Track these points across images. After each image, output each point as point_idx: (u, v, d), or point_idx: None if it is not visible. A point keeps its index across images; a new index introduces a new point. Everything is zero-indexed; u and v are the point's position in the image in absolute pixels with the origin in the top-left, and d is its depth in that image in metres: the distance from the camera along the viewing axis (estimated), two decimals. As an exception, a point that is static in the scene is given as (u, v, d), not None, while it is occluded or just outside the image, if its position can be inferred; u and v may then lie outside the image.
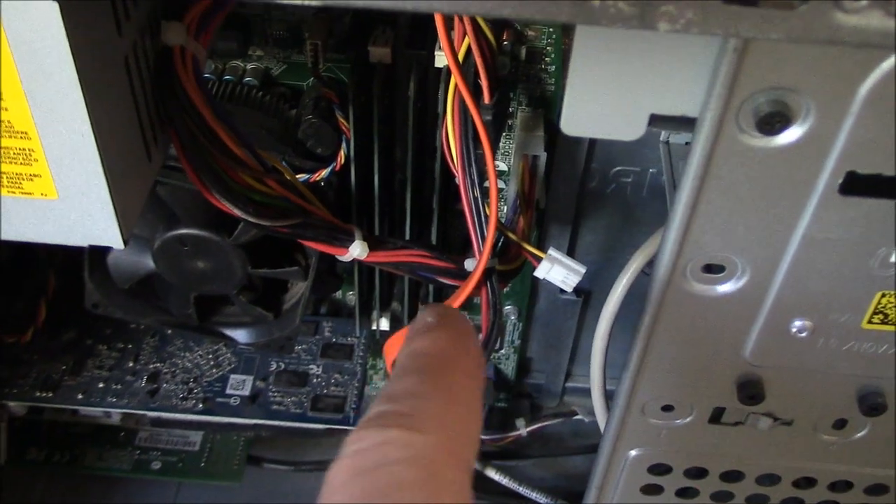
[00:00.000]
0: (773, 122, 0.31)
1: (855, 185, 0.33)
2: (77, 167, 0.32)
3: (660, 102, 0.33)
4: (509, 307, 0.64)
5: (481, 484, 0.68)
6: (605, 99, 0.33)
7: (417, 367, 0.30)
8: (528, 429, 0.69)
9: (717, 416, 0.44)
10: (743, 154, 0.32)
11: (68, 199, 0.33)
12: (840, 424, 0.44)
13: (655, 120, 0.33)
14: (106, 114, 0.32)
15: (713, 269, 0.37)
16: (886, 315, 0.38)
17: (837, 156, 0.32)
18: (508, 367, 0.69)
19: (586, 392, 0.51)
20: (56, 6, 0.28)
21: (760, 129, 0.31)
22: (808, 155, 0.32)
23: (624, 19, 0.26)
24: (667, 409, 0.44)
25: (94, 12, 0.30)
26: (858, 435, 0.45)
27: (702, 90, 0.32)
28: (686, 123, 0.33)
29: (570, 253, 0.60)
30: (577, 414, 0.69)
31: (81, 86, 0.30)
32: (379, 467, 0.26)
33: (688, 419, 0.44)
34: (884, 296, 0.37)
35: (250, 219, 0.40)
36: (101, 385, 0.61)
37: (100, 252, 0.53)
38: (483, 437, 0.69)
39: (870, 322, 0.38)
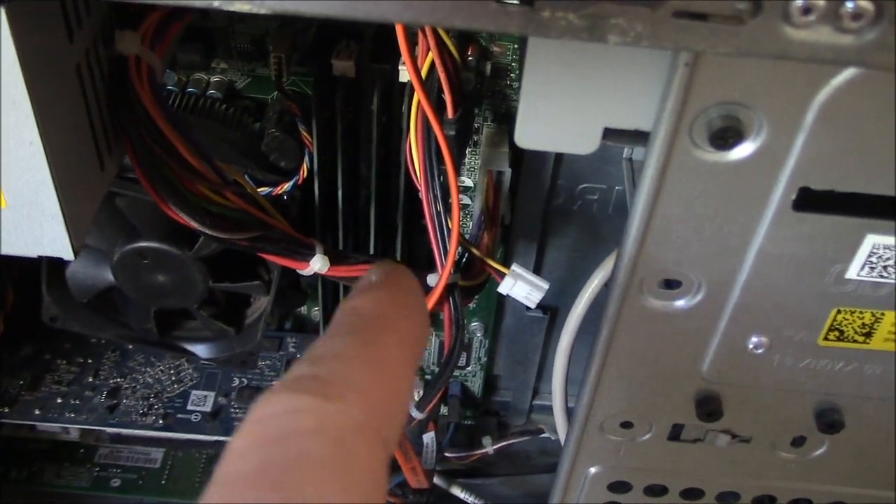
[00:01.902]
0: (726, 136, 0.31)
1: (808, 200, 0.33)
2: (25, 176, 0.31)
3: (613, 116, 0.33)
4: (476, 324, 0.64)
5: (447, 502, 0.68)
6: (558, 112, 0.33)
7: (348, 328, 0.28)
8: (495, 446, 0.69)
9: (676, 434, 0.44)
10: (696, 169, 0.32)
11: (16, 208, 0.32)
12: (798, 442, 0.44)
13: (609, 134, 0.33)
14: (56, 122, 0.31)
15: (671, 285, 0.37)
16: (842, 332, 0.38)
17: (790, 171, 0.32)
18: (475, 385, 0.68)
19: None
20: (3, 11, 0.27)
21: (713, 143, 0.31)
22: (762, 170, 0.32)
23: (574, 32, 0.26)
24: (626, 425, 0.44)
25: (43, 18, 0.30)
26: (816, 452, 0.45)
27: (655, 104, 0.32)
28: (640, 137, 0.33)
29: (537, 270, 0.60)
30: (543, 432, 0.69)
31: (30, 93, 0.29)
32: (284, 437, 0.24)
33: (647, 436, 0.44)
34: (839, 312, 0.37)
35: (207, 231, 0.40)
36: (59, 400, 0.60)
37: (58, 265, 0.52)
38: (449, 454, 0.68)
39: (826, 339, 0.38)
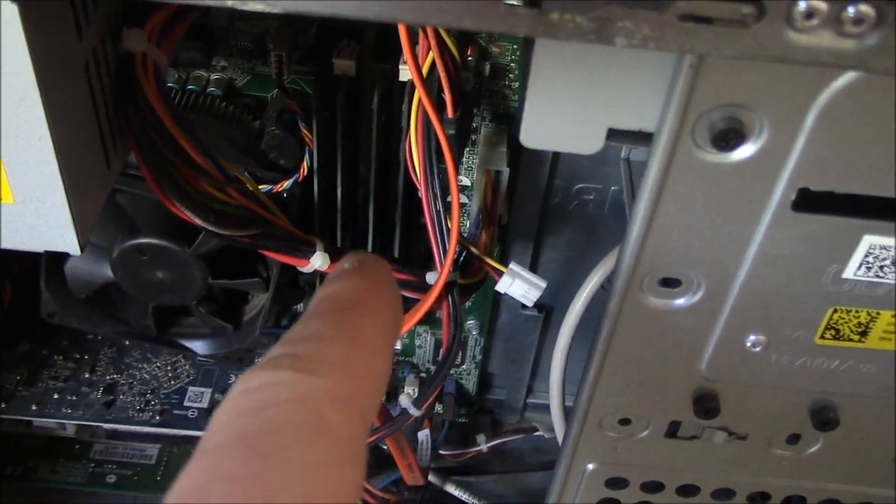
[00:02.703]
0: (728, 138, 0.31)
1: (807, 201, 0.34)
2: (34, 172, 0.32)
3: (617, 117, 0.33)
4: (471, 322, 0.64)
5: (442, 500, 0.68)
6: (563, 113, 0.33)
7: (323, 311, 0.29)
8: (489, 444, 0.69)
9: (673, 431, 0.44)
10: (698, 169, 0.33)
11: (24, 203, 0.33)
12: (793, 439, 0.45)
13: (613, 134, 0.34)
14: (64, 118, 0.31)
15: (671, 283, 0.38)
16: (839, 331, 0.39)
17: (790, 173, 0.33)
18: (470, 383, 0.69)
19: (547, 408, 0.51)
20: (15, 8, 0.27)
21: (715, 144, 0.32)
22: (762, 171, 0.33)
23: (582, 34, 0.26)
24: (624, 422, 0.44)
25: (53, 15, 0.30)
26: (811, 450, 0.45)
27: (658, 105, 0.32)
28: (643, 138, 0.33)
29: (533, 268, 0.60)
30: (537, 430, 0.69)
31: (40, 89, 0.29)
32: (262, 408, 0.24)
33: (644, 433, 0.45)
34: (836, 312, 0.38)
35: (210, 227, 0.40)
36: (55, 396, 0.60)
37: (57, 260, 0.52)
38: (443, 452, 0.69)
39: (822, 338, 0.39)
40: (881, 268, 0.36)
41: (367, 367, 0.27)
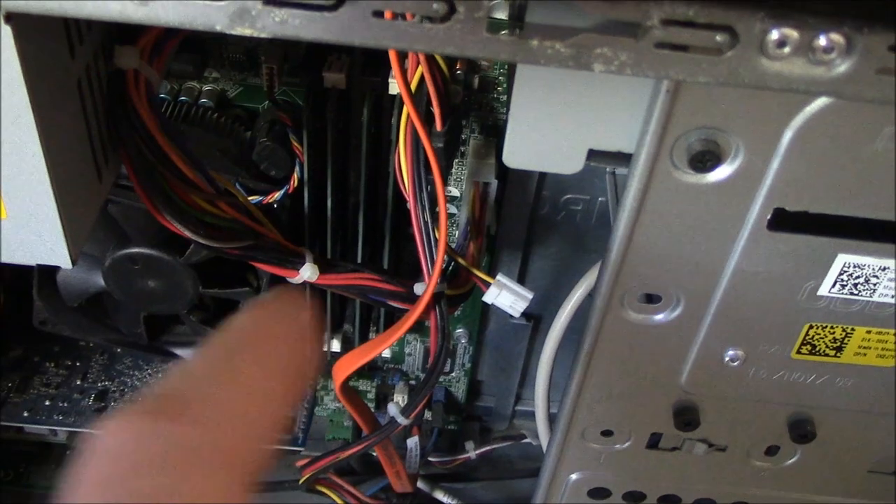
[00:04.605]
0: (705, 159, 0.32)
1: (783, 221, 0.35)
2: (27, 187, 0.32)
3: (597, 138, 0.34)
4: (460, 331, 0.65)
5: (430, 506, 0.69)
6: (545, 134, 0.34)
7: (212, 346, 0.28)
8: (477, 451, 0.70)
9: (654, 442, 0.45)
10: (676, 189, 0.34)
11: (17, 218, 0.33)
12: (772, 451, 0.45)
13: (594, 155, 0.35)
14: (57, 135, 0.32)
15: (651, 299, 0.38)
16: (815, 346, 0.39)
17: (766, 193, 0.34)
18: (459, 390, 0.69)
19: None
20: (9, 28, 0.28)
21: (692, 166, 0.33)
22: (738, 192, 0.34)
23: (561, 60, 0.27)
24: (606, 434, 0.45)
25: (47, 35, 0.31)
26: (790, 462, 0.46)
27: (637, 127, 0.33)
28: (623, 159, 0.34)
29: (521, 279, 0.61)
30: (525, 437, 0.69)
31: (33, 107, 0.30)
32: (121, 460, 0.24)
33: (626, 444, 0.45)
34: (812, 328, 0.39)
35: (201, 240, 0.40)
36: (47, 403, 0.60)
37: (49, 269, 0.53)
38: (432, 459, 0.69)
39: (799, 353, 0.40)
40: (855, 285, 0.37)
41: (245, 410, 0.26)
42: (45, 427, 0.60)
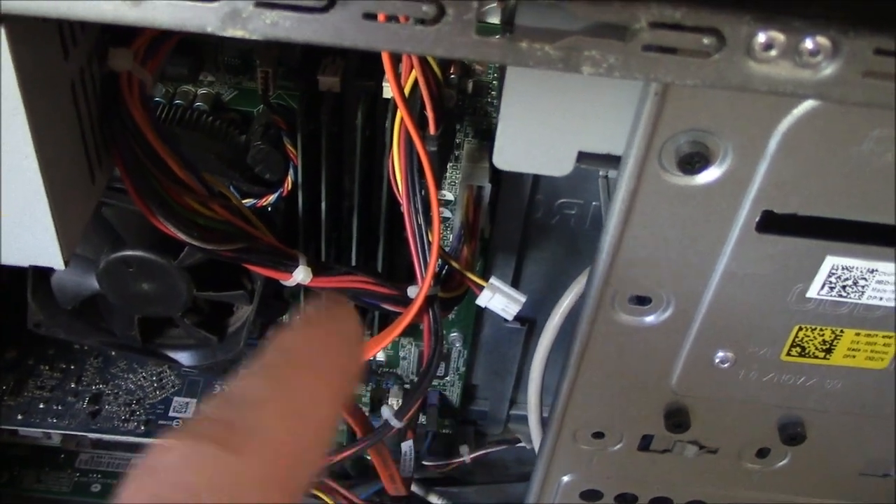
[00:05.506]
0: (693, 162, 0.32)
1: (772, 223, 0.35)
2: (19, 188, 0.32)
3: (587, 140, 0.34)
4: (455, 334, 0.65)
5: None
6: (535, 136, 0.34)
7: (268, 366, 0.27)
8: (472, 455, 0.70)
9: (645, 444, 0.45)
10: (665, 192, 0.34)
11: (9, 219, 0.33)
12: (762, 453, 0.46)
13: (583, 157, 0.35)
14: (50, 136, 0.32)
15: (641, 301, 0.39)
16: (804, 348, 0.40)
17: (754, 195, 0.34)
18: (453, 394, 0.70)
19: (529, 419, 0.52)
20: (2, 30, 0.28)
21: (681, 168, 0.33)
22: (727, 194, 0.34)
23: (550, 62, 0.27)
24: (597, 435, 0.45)
25: (41, 37, 0.31)
26: (780, 464, 0.46)
27: (626, 130, 0.33)
28: (612, 161, 0.34)
29: (515, 282, 0.61)
30: (519, 441, 0.69)
31: (26, 108, 0.30)
32: (176, 490, 0.23)
33: (618, 446, 0.45)
34: (801, 329, 0.39)
35: (194, 243, 0.41)
36: (41, 406, 0.61)
37: (43, 272, 0.53)
38: (427, 462, 0.69)
39: (788, 355, 0.40)
40: (844, 287, 0.37)
41: (302, 439, 0.26)
42: (39, 430, 0.60)
